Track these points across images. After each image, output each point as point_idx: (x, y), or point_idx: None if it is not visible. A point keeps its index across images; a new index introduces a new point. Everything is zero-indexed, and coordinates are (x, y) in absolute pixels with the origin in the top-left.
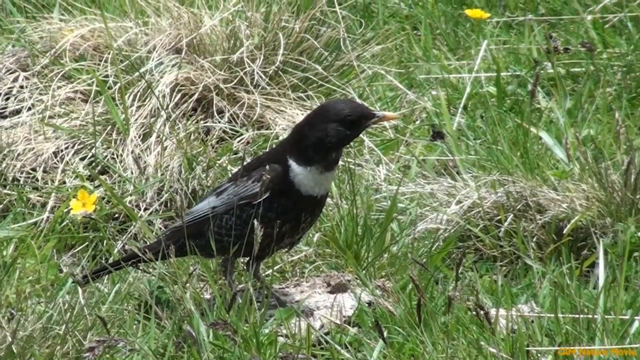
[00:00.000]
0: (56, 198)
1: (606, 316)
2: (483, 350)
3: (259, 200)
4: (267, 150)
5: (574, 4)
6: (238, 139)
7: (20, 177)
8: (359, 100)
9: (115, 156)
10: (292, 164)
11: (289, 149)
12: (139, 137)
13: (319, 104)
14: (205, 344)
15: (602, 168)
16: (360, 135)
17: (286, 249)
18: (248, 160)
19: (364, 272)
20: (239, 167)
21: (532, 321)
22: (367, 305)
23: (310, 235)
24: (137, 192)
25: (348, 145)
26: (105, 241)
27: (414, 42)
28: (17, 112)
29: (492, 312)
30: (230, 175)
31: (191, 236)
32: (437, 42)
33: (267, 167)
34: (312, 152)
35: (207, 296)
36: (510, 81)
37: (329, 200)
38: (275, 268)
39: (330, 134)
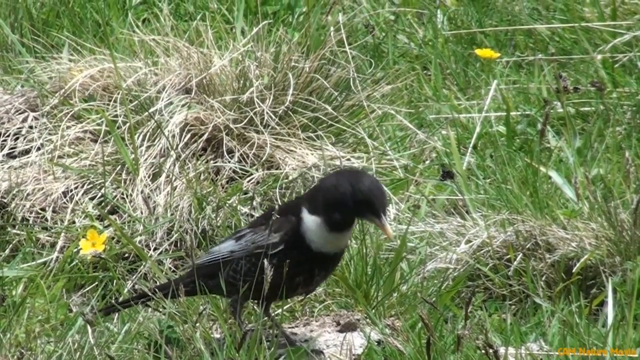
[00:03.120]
0: (65, 238)
1: (615, 354)
2: None
3: (274, 252)
4: (291, 200)
5: (583, 43)
6: (248, 178)
7: (29, 217)
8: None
9: (124, 196)
10: (304, 217)
11: (304, 203)
12: (149, 177)
13: (327, 144)
14: None
15: (612, 207)
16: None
17: (302, 296)
18: (258, 199)
19: (373, 311)
20: (262, 212)
21: (542, 359)
22: (376, 344)
23: None
24: (147, 232)
25: None
26: (115, 281)
27: (424, 82)
28: (27, 152)
29: (502, 350)
30: (251, 220)
31: (206, 276)
32: (447, 82)
33: (285, 218)
34: (322, 212)
35: (217, 335)
36: (520, 120)
37: None
38: (284, 307)
39: (336, 206)
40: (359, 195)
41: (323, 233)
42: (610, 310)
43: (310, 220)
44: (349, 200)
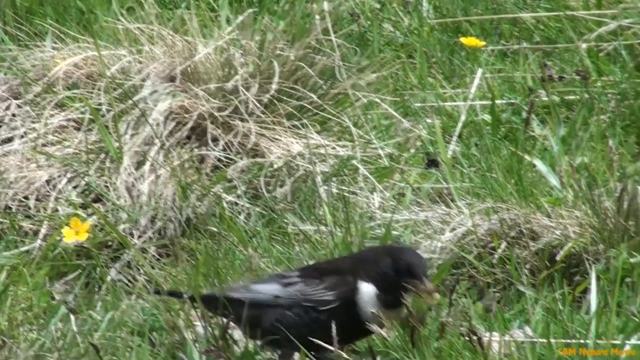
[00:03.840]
0: (49, 226)
1: (598, 341)
2: None
3: (324, 308)
4: (342, 257)
5: (568, 32)
6: (232, 167)
7: (12, 205)
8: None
9: (108, 184)
10: (361, 287)
11: (361, 271)
12: (133, 165)
13: (312, 132)
14: None
15: (596, 195)
16: (355, 162)
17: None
18: (243, 188)
19: None
20: (309, 264)
21: (525, 346)
22: None
23: (305, 263)
24: (131, 220)
25: (343, 175)
26: (98, 269)
27: (409, 71)
28: (9, 140)
29: (485, 337)
30: (297, 267)
31: (244, 315)
32: (432, 71)
33: (341, 278)
34: (376, 287)
35: (201, 324)
36: (505, 109)
37: (322, 228)
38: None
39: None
40: (399, 263)
41: (375, 308)
42: (593, 298)
43: (366, 293)
44: (391, 271)
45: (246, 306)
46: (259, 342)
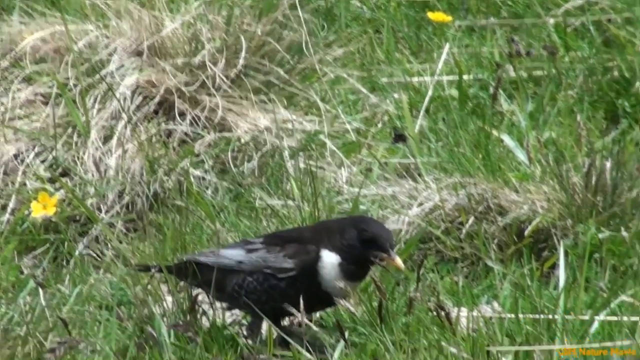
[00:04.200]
0: (17, 200)
1: (566, 316)
2: (444, 351)
3: (283, 276)
4: (307, 226)
5: (536, 7)
6: (200, 141)
7: None
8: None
9: (76, 158)
10: (324, 255)
11: (325, 240)
12: (100, 140)
13: (279, 107)
14: (167, 345)
15: (563, 170)
16: (322, 137)
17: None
18: (210, 162)
19: None
20: (276, 230)
21: (493, 321)
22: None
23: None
24: (98, 195)
25: (310, 149)
26: (66, 243)
27: (376, 45)
28: None
29: (453, 312)
30: (264, 234)
31: (209, 280)
32: (399, 46)
33: (302, 247)
34: (340, 257)
35: (169, 298)
36: (472, 84)
37: (290, 202)
38: None
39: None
40: (365, 234)
41: (337, 278)
42: (561, 273)
43: (328, 262)
44: (356, 242)
45: (214, 270)
46: (224, 305)
